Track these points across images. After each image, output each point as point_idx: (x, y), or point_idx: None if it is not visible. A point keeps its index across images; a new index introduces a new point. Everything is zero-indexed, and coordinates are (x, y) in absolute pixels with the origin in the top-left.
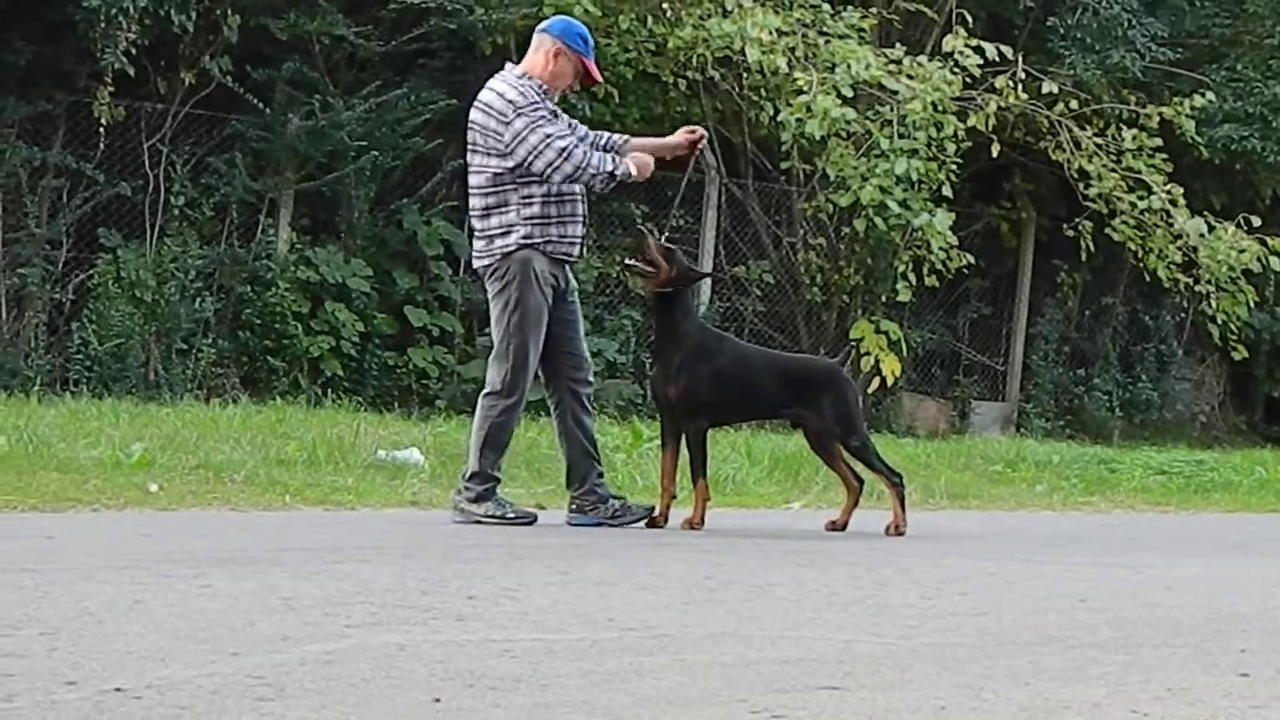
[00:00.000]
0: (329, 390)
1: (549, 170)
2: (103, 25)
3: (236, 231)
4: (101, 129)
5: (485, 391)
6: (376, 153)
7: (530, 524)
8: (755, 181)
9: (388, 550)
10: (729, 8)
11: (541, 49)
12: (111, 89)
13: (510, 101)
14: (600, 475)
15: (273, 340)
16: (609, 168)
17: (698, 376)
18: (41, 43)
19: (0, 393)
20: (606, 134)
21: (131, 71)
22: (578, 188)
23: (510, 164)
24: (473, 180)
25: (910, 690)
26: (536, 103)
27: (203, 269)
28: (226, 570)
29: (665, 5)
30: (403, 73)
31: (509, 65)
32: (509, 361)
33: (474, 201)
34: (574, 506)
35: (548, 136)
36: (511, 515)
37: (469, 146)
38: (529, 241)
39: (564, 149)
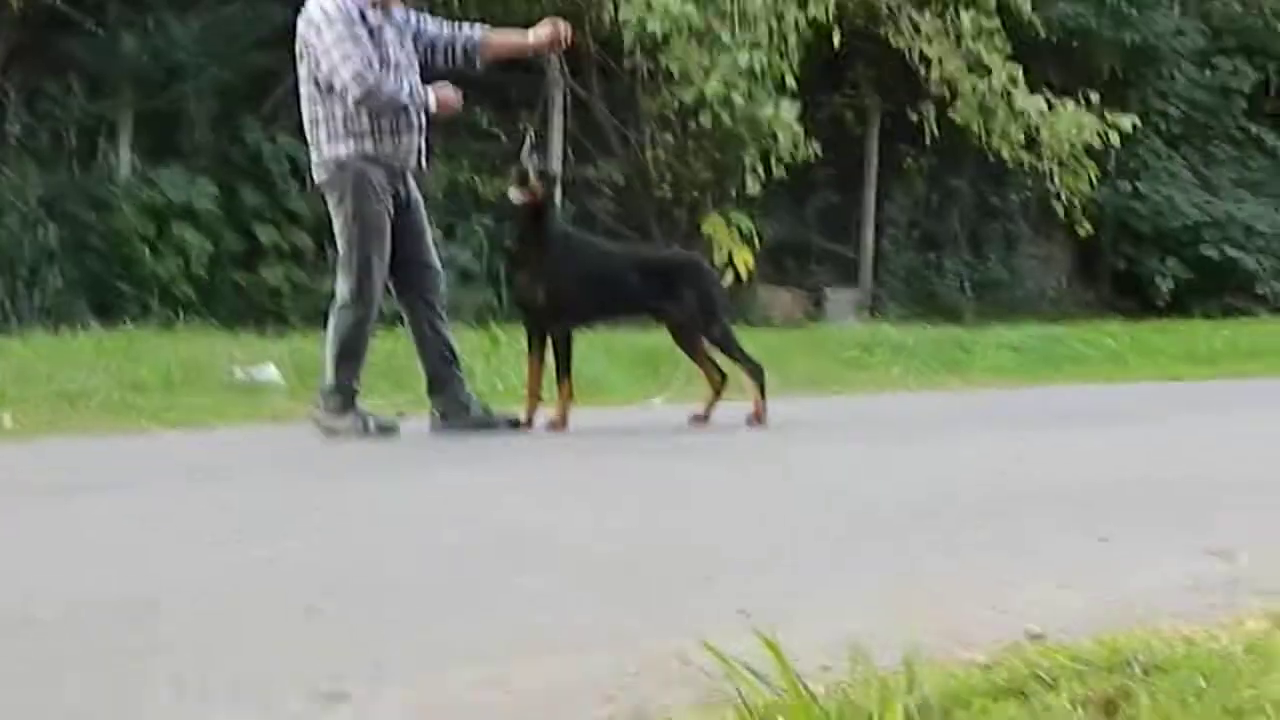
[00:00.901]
0: (180, 312)
1: (341, 91)
2: None
3: (76, 157)
4: None
5: (337, 305)
6: (216, 69)
7: (393, 432)
8: (600, 81)
9: (250, 468)
10: None
11: None
12: None
13: (325, 13)
14: (461, 382)
15: (120, 265)
16: (402, 99)
17: (564, 277)
18: None
19: None
20: (467, 28)
21: None
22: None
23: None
24: (302, 91)
25: (779, 576)
26: (349, 18)
27: (44, 197)
28: (89, 496)
29: None
30: None
31: None
32: (355, 273)
33: (305, 112)
34: (438, 414)
35: (346, 57)
36: (374, 427)
37: (296, 57)
38: (361, 151)
39: (356, 73)
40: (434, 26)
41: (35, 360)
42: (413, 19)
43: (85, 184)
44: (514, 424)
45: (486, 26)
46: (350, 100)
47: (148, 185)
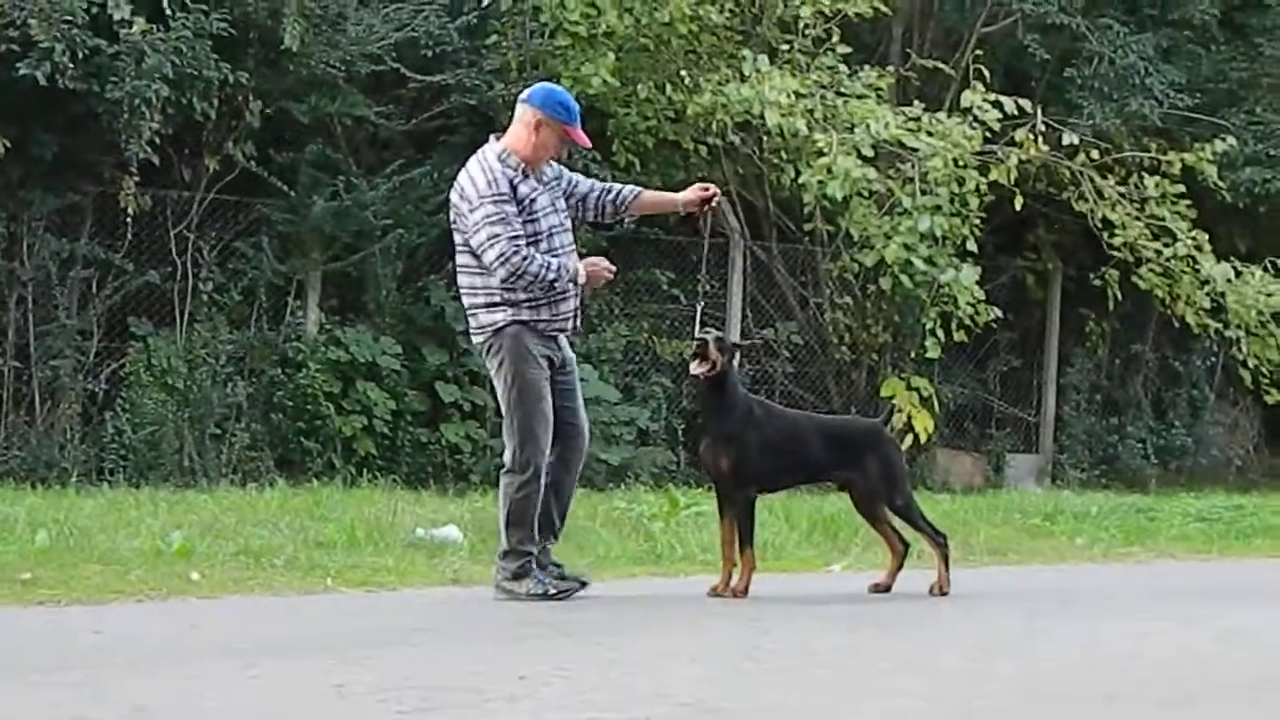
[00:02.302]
0: (363, 469)
1: (491, 270)
2: (126, 116)
3: (265, 314)
4: (128, 218)
5: (503, 469)
6: (402, 230)
7: (576, 591)
8: (779, 243)
9: (434, 632)
10: (747, 73)
11: (523, 121)
12: (137, 178)
13: (476, 188)
14: (551, 541)
15: (305, 422)
16: (550, 276)
17: (748, 445)
18: (66, 135)
19: (38, 485)
20: (619, 186)
21: (156, 160)
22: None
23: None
24: (459, 259)
25: None
26: (498, 195)
27: (233, 353)
28: (275, 659)
29: (683, 73)
30: (425, 150)
31: (492, 139)
32: (517, 437)
33: (461, 279)
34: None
35: (493, 239)
36: (554, 591)
37: (452, 225)
38: (518, 318)
39: (501, 256)
40: (585, 184)
41: (222, 516)
42: (564, 176)
43: (273, 341)
44: (583, 584)
45: (638, 188)
46: (499, 276)
47: (334, 343)
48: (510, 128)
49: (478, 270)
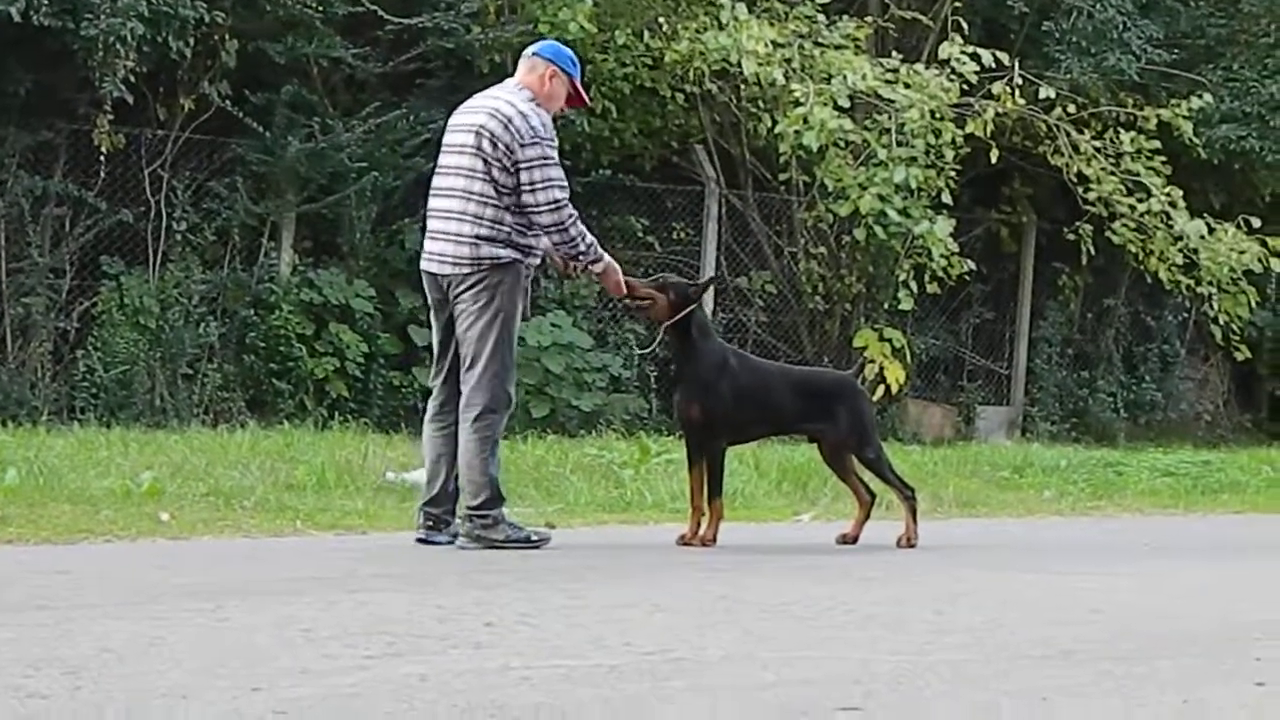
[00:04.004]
0: (335, 412)
1: (535, 209)
2: (101, 53)
3: (239, 255)
4: (102, 157)
5: (477, 413)
6: (377, 173)
7: (546, 543)
8: (755, 192)
9: (402, 577)
10: (724, 21)
11: (536, 71)
12: (111, 116)
13: (532, 126)
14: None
15: (278, 363)
16: (582, 246)
17: (720, 395)
18: (41, 72)
19: (8, 423)
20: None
21: (131, 99)
22: None
23: (512, 183)
24: (461, 183)
25: (929, 711)
26: (553, 138)
27: (206, 294)
28: (243, 601)
29: (661, 20)
30: (401, 93)
31: (509, 83)
32: (495, 375)
33: (456, 205)
34: (431, 524)
35: (549, 181)
36: (535, 538)
37: (464, 148)
38: (520, 256)
39: (555, 200)
40: None
41: (192, 456)
42: None
43: (246, 282)
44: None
45: None
46: (539, 219)
47: (307, 285)
48: (520, 75)
49: (495, 203)
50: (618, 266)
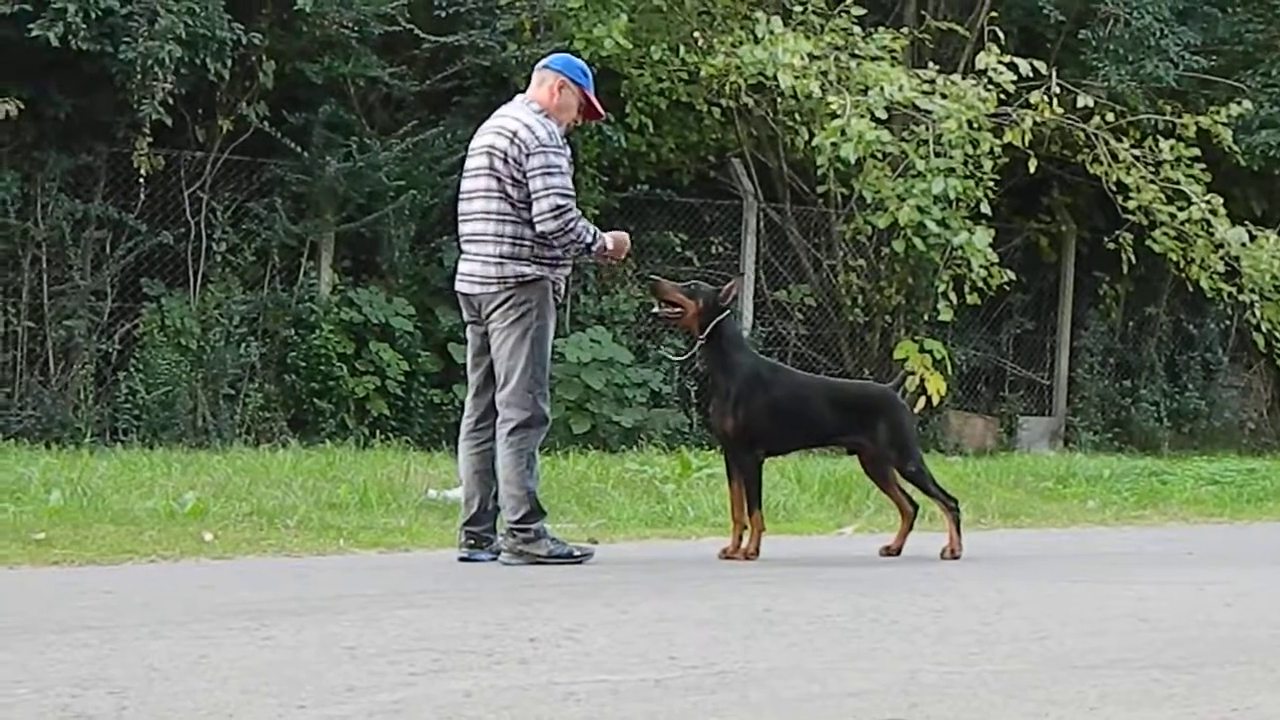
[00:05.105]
0: (376, 430)
1: (539, 218)
2: (139, 76)
3: (279, 275)
4: (141, 179)
5: (512, 427)
6: (415, 192)
7: (589, 558)
8: (793, 205)
9: (446, 593)
10: (760, 35)
11: (545, 84)
12: (150, 139)
13: (537, 137)
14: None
15: (319, 382)
16: (588, 239)
17: (754, 408)
18: (80, 95)
19: (52, 445)
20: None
21: (169, 121)
22: None
23: (526, 197)
24: (480, 205)
25: None
26: (560, 148)
27: (246, 314)
28: (287, 620)
29: (696, 34)
30: (438, 111)
31: (518, 99)
32: (530, 390)
33: (480, 227)
34: (473, 543)
35: (550, 188)
36: (577, 553)
37: (479, 171)
38: (544, 275)
39: (556, 207)
40: None
41: (235, 476)
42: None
43: (287, 302)
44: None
45: None
46: (542, 226)
47: (347, 304)
48: (531, 89)
49: (514, 219)
50: (617, 235)
